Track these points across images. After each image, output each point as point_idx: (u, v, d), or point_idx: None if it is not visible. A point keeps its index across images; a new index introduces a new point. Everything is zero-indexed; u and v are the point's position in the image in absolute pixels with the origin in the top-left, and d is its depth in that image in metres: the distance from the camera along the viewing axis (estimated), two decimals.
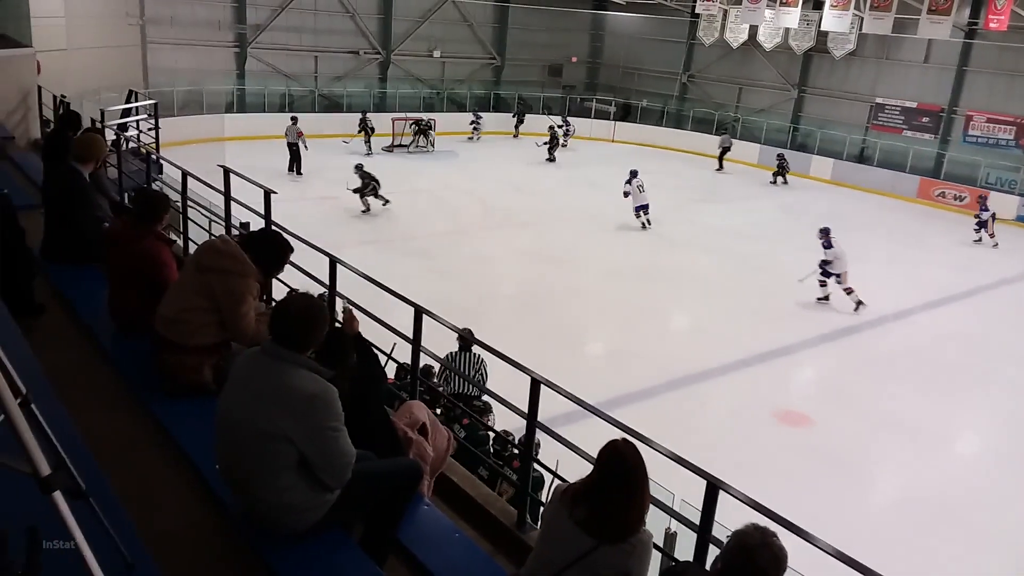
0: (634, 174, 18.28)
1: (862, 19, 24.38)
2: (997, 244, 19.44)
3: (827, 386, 11.64)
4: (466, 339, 7.36)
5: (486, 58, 31.47)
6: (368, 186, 17.48)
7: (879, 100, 26.55)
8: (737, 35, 28.45)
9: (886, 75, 26.46)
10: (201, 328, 3.71)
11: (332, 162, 21.79)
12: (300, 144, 20.32)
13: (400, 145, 25.19)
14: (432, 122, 25.99)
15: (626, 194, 18.28)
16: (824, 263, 13.96)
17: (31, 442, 1.76)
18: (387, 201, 17.68)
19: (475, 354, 7.54)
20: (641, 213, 18.19)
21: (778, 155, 25.56)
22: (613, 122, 30.81)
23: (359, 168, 17.68)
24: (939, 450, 9.93)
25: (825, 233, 14.08)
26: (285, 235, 4.31)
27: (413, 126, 25.53)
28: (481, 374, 7.54)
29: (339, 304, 5.23)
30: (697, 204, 21.59)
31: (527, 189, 21.25)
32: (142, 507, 3.00)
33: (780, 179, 25.35)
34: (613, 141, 30.08)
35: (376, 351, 3.92)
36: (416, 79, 29.60)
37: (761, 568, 2.32)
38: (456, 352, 7.57)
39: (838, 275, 13.92)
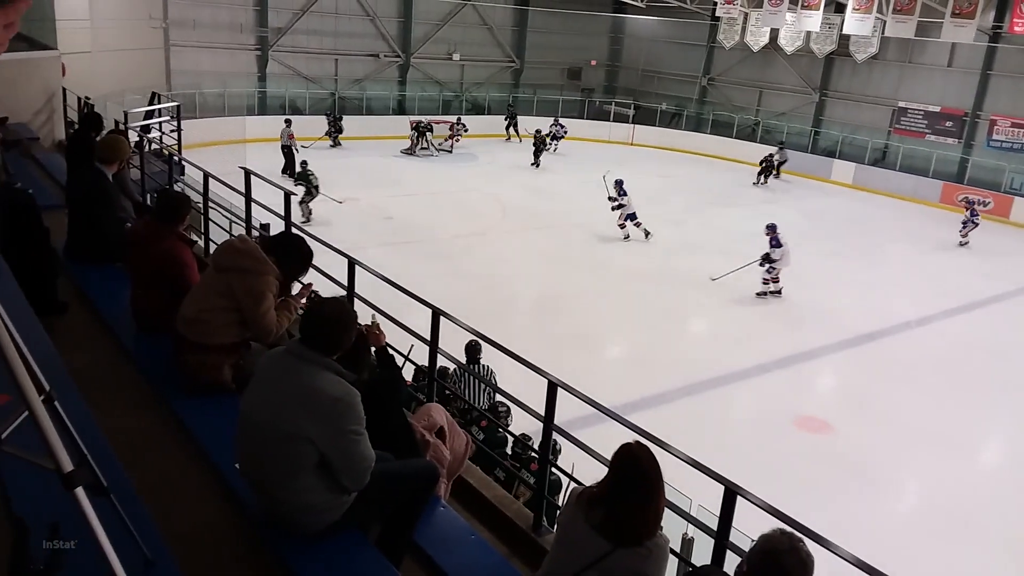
0: (620, 183, 17.49)
1: (885, 22, 24.16)
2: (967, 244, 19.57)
3: (848, 393, 11.52)
4: (473, 350, 7.29)
5: (505, 61, 31.51)
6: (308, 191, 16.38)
7: (902, 104, 26.28)
8: (758, 38, 28.28)
9: (909, 79, 26.19)
10: (221, 328, 3.74)
11: (352, 163, 21.94)
12: (292, 147, 20.19)
13: (420, 148, 25.26)
14: (431, 124, 25.59)
15: (620, 205, 17.44)
16: (768, 259, 14.16)
17: (54, 439, 1.78)
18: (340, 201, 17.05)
19: (483, 365, 7.38)
20: (631, 221, 17.48)
21: (768, 155, 25.19)
22: (631, 125, 30.72)
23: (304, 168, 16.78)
24: (962, 459, 9.79)
25: (772, 229, 14.37)
26: (304, 236, 4.34)
27: (413, 130, 25.19)
28: (490, 385, 7.33)
29: (368, 317, 5.26)
30: (716, 208, 21.46)
31: (546, 192, 21.24)
32: (162, 504, 3.02)
33: (764, 177, 24.92)
34: (632, 144, 29.99)
35: (393, 352, 3.93)
36: (435, 82, 29.70)
37: (788, 573, 2.31)
38: (464, 365, 7.42)
39: (774, 268, 14.34)
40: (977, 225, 19.71)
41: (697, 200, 21.50)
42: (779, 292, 14.38)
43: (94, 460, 2.19)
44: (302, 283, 4.22)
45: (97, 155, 5.81)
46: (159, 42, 22.35)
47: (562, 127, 27.33)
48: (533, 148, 24.89)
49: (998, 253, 19.40)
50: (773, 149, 25.89)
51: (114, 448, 3.07)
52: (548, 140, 25.92)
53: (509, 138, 28.08)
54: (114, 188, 5.84)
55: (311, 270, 5.67)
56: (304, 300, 4.11)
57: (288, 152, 20.19)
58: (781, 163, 25.25)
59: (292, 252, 3.93)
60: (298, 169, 17.17)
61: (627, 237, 17.53)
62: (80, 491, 1.80)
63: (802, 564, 2.31)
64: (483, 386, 7.33)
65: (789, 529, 2.48)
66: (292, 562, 2.87)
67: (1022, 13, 21.71)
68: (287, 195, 6.33)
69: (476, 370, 7.31)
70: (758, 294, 14.30)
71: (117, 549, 1.88)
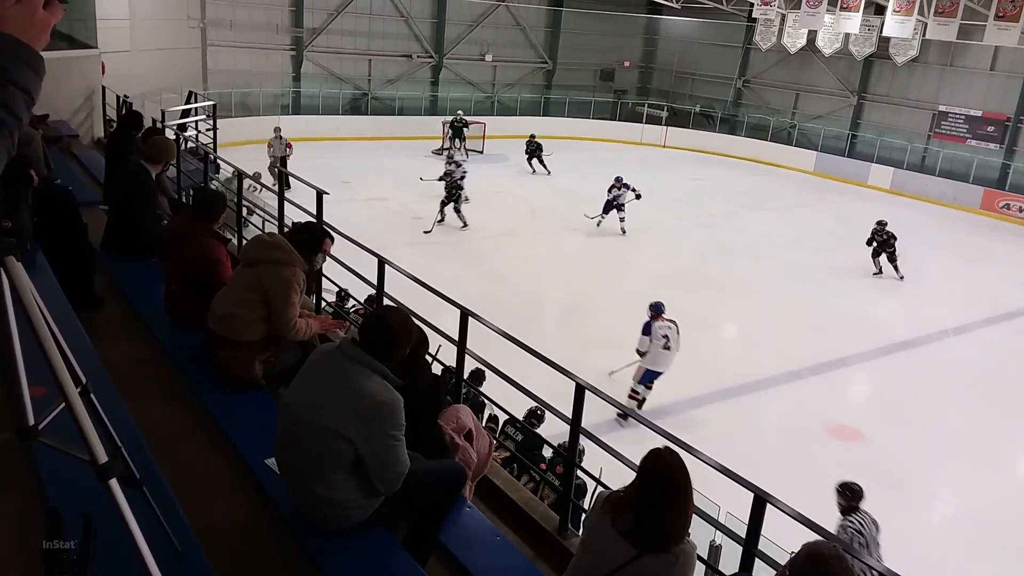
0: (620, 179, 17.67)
1: (926, 25, 23.67)
2: None
3: (882, 401, 11.32)
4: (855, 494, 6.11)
5: (538, 62, 31.50)
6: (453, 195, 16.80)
7: (942, 108, 25.76)
8: (795, 40, 27.89)
9: (950, 82, 25.67)
10: (251, 324, 3.79)
11: (382, 165, 22.07)
12: (285, 156, 18.73)
13: (450, 148, 25.33)
14: (467, 122, 24.98)
15: (620, 207, 17.49)
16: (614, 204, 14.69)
17: (90, 430, 1.81)
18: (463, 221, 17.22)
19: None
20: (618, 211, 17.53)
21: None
22: (664, 127, 30.52)
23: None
24: (997, 471, 9.57)
25: (619, 180, 16.59)
26: (328, 229, 4.46)
27: (449, 127, 24.75)
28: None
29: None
30: (749, 211, 21.24)
31: (575, 194, 21.17)
32: (192, 498, 3.06)
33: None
34: (664, 147, 29.80)
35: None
36: (467, 83, 29.79)
37: None
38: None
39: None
40: None
41: (730, 203, 21.28)
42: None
43: (127, 452, 2.22)
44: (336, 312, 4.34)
45: (144, 153, 5.93)
46: (196, 42, 22.68)
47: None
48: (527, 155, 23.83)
49: None
50: None
51: (147, 441, 3.12)
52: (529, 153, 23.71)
53: (534, 171, 24.03)
54: (155, 186, 5.94)
55: (344, 270, 5.73)
56: (322, 329, 4.20)
57: (282, 162, 18.20)
58: None
59: (306, 234, 4.10)
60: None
61: (609, 224, 17.75)
62: (114, 482, 1.83)
63: (848, 571, 2.29)
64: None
65: (826, 541, 2.45)
66: (319, 558, 2.89)
67: None
68: (319, 193, 6.38)
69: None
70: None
71: (148, 541, 1.90)
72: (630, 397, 9.91)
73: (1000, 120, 24.51)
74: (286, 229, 6.87)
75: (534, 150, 23.72)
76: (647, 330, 10.05)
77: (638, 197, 17.41)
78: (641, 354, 9.98)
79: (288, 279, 3.79)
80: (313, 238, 4.11)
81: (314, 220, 5.61)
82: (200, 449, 3.60)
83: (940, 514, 8.78)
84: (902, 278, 15.87)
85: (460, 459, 3.60)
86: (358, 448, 2.79)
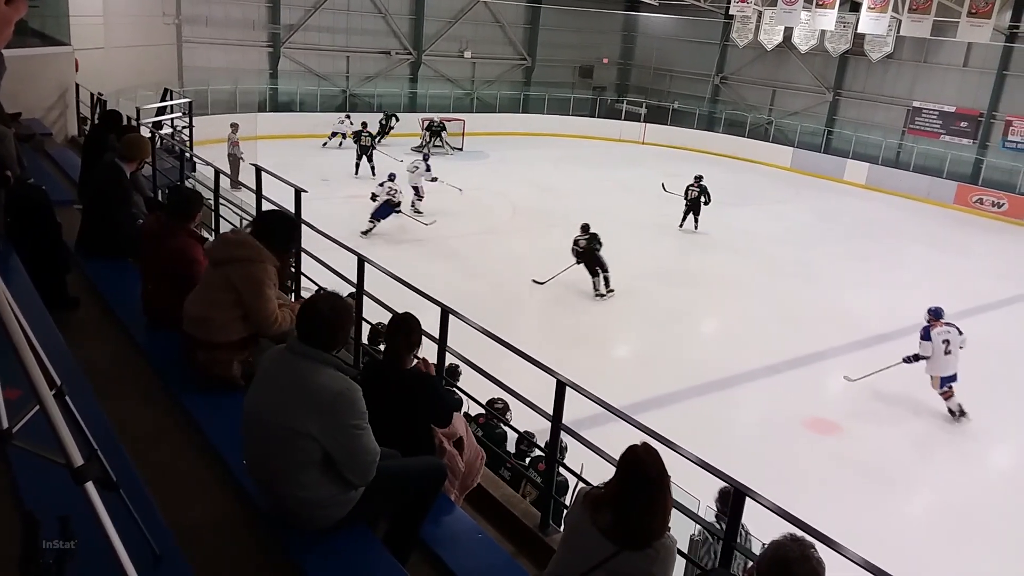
0: None
1: (900, 21, 23.98)
2: None
3: (858, 394, 11.45)
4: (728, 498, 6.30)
5: (517, 59, 31.49)
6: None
7: (916, 104, 26.09)
8: (772, 37, 28.12)
9: (924, 79, 26.00)
10: (227, 324, 3.75)
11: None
12: (237, 154, 18.35)
13: (436, 146, 25.27)
14: (444, 123, 25.61)
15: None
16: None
17: (65, 433, 1.79)
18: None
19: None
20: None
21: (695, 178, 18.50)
22: (643, 124, 30.64)
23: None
24: (975, 462, 9.72)
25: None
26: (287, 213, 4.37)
27: (425, 130, 25.13)
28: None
29: (379, 315, 5.25)
30: (728, 208, 21.32)
31: (556, 190, 21.21)
32: (171, 500, 3.04)
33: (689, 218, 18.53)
34: (643, 143, 29.92)
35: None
36: (447, 79, 29.71)
37: None
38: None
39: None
40: None
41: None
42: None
43: (104, 455, 2.20)
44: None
45: (118, 151, 5.85)
46: (172, 39, 22.41)
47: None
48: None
49: (1012, 255, 19.25)
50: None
51: (123, 443, 3.10)
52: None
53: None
54: (130, 184, 5.87)
55: (324, 269, 5.70)
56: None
57: (234, 161, 18.00)
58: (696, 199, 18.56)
59: (274, 227, 3.94)
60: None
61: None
62: (90, 485, 1.81)
63: (814, 573, 2.29)
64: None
65: (800, 534, 2.46)
66: (300, 558, 2.88)
67: None
68: (298, 191, 6.34)
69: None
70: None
71: (126, 543, 1.89)
72: (949, 411, 10.26)
73: (973, 116, 24.86)
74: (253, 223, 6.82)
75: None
76: (926, 335, 10.16)
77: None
78: (920, 358, 10.19)
79: (259, 276, 3.72)
80: (280, 229, 3.95)
81: (279, 208, 5.43)
82: (178, 450, 3.57)
83: (917, 505, 8.91)
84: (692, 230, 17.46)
85: (446, 464, 3.59)
86: (323, 444, 2.77)
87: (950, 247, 19.54)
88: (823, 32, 26.51)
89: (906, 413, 10.46)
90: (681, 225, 18.36)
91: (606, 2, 31.66)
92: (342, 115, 24.53)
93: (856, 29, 25.39)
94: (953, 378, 10.16)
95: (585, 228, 14.10)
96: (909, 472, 9.30)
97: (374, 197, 16.24)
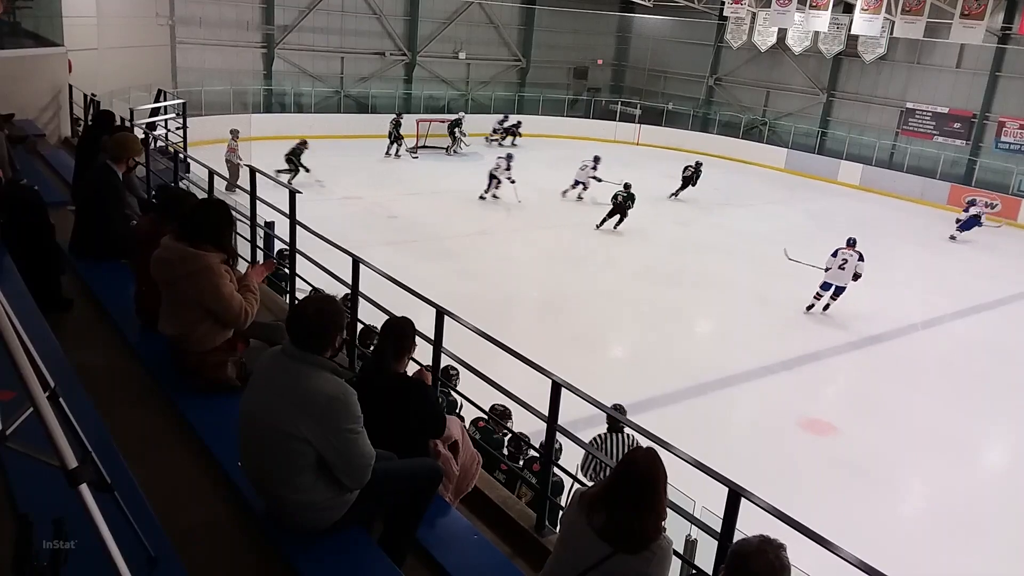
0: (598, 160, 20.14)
1: (893, 23, 24.08)
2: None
3: (854, 394, 11.49)
4: (616, 419, 6.43)
5: (511, 60, 31.50)
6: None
7: (909, 105, 26.19)
8: (766, 38, 28.21)
9: (917, 80, 26.10)
10: (207, 334, 3.74)
11: (356, 163, 21.95)
12: (234, 159, 17.82)
13: (424, 147, 25.26)
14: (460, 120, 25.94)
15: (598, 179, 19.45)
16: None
17: (59, 435, 1.78)
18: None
19: (627, 435, 6.53)
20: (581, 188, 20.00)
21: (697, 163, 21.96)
22: (637, 125, 30.68)
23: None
24: (967, 461, 9.76)
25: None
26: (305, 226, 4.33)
27: (449, 132, 25.47)
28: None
29: (372, 315, 5.24)
30: (723, 208, 21.43)
31: (550, 191, 21.23)
32: (166, 502, 3.03)
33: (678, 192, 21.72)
34: (638, 144, 29.95)
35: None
36: (441, 80, 29.70)
37: (754, 574, 2.30)
38: (605, 434, 6.63)
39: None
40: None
41: (704, 200, 21.43)
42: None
43: (98, 457, 2.20)
44: (270, 258, 4.20)
45: (109, 152, 5.83)
46: (165, 39, 22.38)
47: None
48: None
49: (1006, 255, 19.33)
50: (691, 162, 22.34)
51: (118, 445, 3.09)
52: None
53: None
54: (123, 185, 5.85)
55: (318, 270, 5.69)
56: (263, 277, 4.05)
57: (233, 167, 17.47)
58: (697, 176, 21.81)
59: (204, 224, 3.80)
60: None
61: (579, 197, 20.13)
62: (84, 488, 1.81)
63: (769, 566, 2.30)
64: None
65: (781, 534, 2.46)
66: (295, 560, 2.87)
67: None
68: (292, 192, 6.33)
69: (619, 441, 6.55)
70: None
71: (120, 546, 1.88)
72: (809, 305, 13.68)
73: (966, 117, 24.96)
74: (260, 230, 6.81)
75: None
76: (834, 253, 13.40)
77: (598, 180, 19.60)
78: (827, 269, 13.37)
79: (211, 282, 3.66)
80: (212, 219, 3.82)
81: (199, 196, 5.24)
82: (173, 452, 3.56)
83: (912, 505, 8.93)
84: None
85: (441, 466, 3.58)
86: (317, 447, 2.76)
87: (943, 248, 19.61)
88: (817, 33, 26.61)
89: (900, 414, 10.49)
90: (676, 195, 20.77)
91: (600, 3, 31.70)
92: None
93: (850, 30, 25.49)
94: (829, 287, 13.45)
95: (627, 186, 17.71)
96: (903, 472, 9.32)
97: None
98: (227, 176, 16.48)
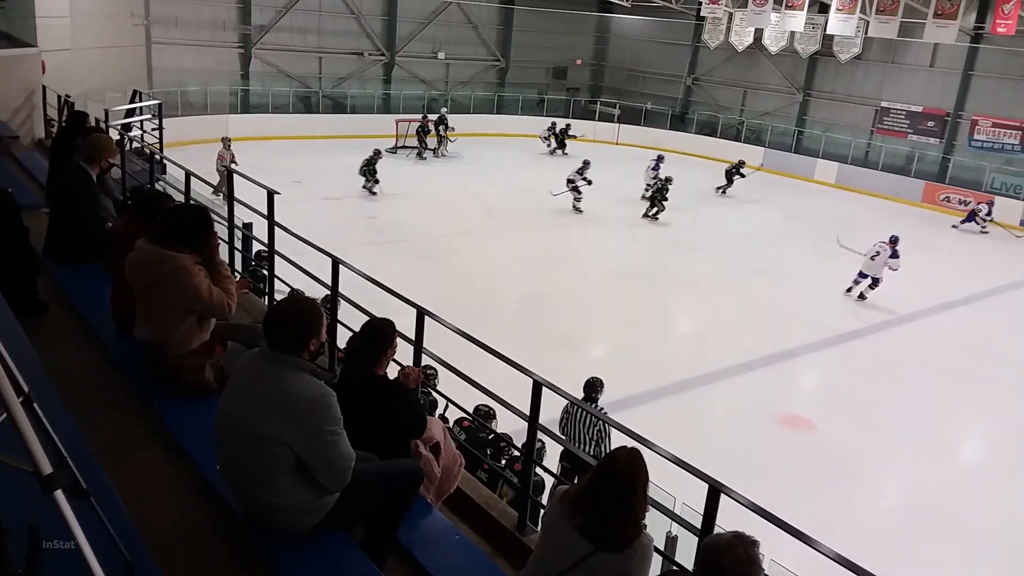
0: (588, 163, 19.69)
1: (868, 23, 24.35)
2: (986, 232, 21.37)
3: (830, 390, 11.62)
4: (591, 390, 7.00)
5: (490, 60, 31.49)
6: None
7: (884, 104, 26.51)
8: (742, 38, 28.42)
9: (892, 79, 26.42)
10: (186, 336, 3.71)
11: (335, 164, 21.84)
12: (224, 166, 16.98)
13: (404, 147, 25.15)
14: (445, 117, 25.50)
15: (589, 182, 19.20)
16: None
17: (33, 441, 1.76)
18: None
19: (599, 407, 6.90)
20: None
21: (739, 161, 23.85)
22: (616, 124, 30.78)
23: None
24: (943, 455, 9.90)
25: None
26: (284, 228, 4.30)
27: (438, 127, 24.98)
28: (600, 431, 6.91)
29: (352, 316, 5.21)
30: (701, 207, 21.56)
31: (530, 190, 21.26)
32: (143, 507, 3.00)
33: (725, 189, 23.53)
34: (617, 144, 30.05)
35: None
36: (420, 80, 29.61)
37: (723, 568, 2.33)
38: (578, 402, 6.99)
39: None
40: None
41: (682, 199, 21.54)
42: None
43: (74, 462, 2.17)
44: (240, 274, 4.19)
45: (82, 154, 5.76)
46: (140, 39, 22.15)
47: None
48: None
49: (978, 252, 19.62)
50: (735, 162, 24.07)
51: (94, 450, 3.05)
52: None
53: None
54: (97, 187, 5.78)
55: (298, 272, 5.66)
56: (225, 266, 4.04)
57: (221, 174, 16.61)
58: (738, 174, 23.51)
59: (186, 222, 3.83)
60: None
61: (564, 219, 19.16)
62: (60, 494, 1.79)
63: (738, 562, 2.33)
64: (590, 428, 6.86)
65: (757, 530, 2.49)
66: (275, 564, 2.85)
67: (1004, 14, 21.95)
68: (270, 193, 6.28)
69: (585, 415, 6.83)
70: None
71: (97, 553, 1.86)
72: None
73: (940, 115, 25.31)
74: (238, 232, 6.75)
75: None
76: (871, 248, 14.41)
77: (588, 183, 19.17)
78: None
79: (189, 283, 3.65)
80: (188, 222, 3.82)
81: (176, 197, 5.24)
82: (151, 457, 3.52)
83: (889, 499, 9.05)
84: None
85: (422, 467, 3.58)
86: (297, 450, 2.73)
87: (918, 245, 19.84)
88: (793, 33, 26.85)
89: (876, 409, 10.62)
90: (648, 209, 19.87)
91: (579, 4, 31.77)
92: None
93: (825, 30, 25.75)
94: (865, 276, 14.49)
95: (667, 180, 19.12)
96: (879, 466, 9.44)
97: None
98: (214, 183, 16.10)
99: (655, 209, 19.13)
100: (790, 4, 25.47)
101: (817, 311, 14.04)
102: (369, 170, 19.05)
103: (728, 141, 29.08)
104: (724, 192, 23.33)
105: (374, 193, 19.12)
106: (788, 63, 28.53)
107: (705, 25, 29.67)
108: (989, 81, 24.24)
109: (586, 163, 19.64)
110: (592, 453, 6.69)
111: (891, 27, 23.91)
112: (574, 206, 19.18)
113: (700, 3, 28.04)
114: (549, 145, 27.47)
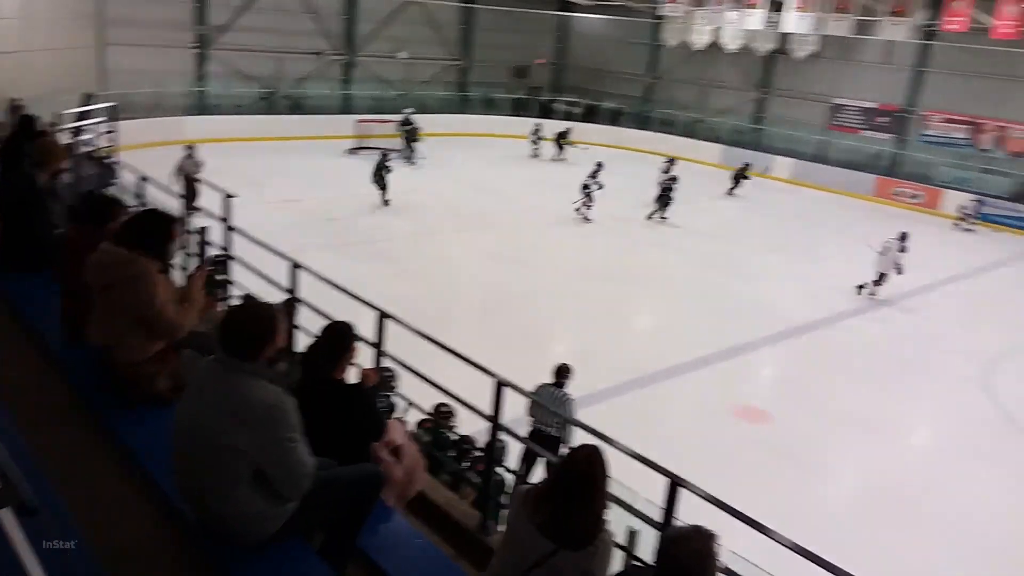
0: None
1: (824, 20, 24.82)
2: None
3: (786, 383, 11.84)
4: (561, 376, 7.31)
5: (452, 60, 31.39)
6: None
7: (840, 101, 27.04)
8: (701, 37, 28.73)
9: (847, 76, 26.97)
10: (139, 346, 3.63)
11: (293, 165, 21.62)
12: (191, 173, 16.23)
13: (366, 148, 24.92)
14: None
15: (600, 186, 18.84)
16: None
17: None
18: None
19: (565, 393, 7.27)
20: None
21: (744, 164, 24.46)
22: (578, 123, 30.88)
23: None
24: (895, 444, 10.14)
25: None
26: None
27: (402, 131, 24.42)
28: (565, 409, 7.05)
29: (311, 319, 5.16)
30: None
31: (490, 190, 21.26)
32: (96, 522, 2.93)
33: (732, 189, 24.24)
34: (579, 143, 30.15)
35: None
36: (381, 80, 29.39)
37: (679, 560, 2.37)
38: (547, 385, 7.31)
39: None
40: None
41: (641, 198, 21.72)
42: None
43: (22, 479, 2.12)
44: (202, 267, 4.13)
45: (32, 159, 5.62)
46: (93, 40, 21.64)
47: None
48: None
49: (927, 245, 20.07)
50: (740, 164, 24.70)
51: (44, 465, 2.97)
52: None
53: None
54: (46, 194, 5.64)
55: (254, 276, 5.60)
56: (202, 284, 3.94)
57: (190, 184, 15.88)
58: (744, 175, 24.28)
59: (152, 228, 3.76)
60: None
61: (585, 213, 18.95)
62: (6, 512, 1.75)
63: (695, 554, 2.37)
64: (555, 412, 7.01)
65: (717, 523, 2.54)
66: (233, 573, 2.81)
67: (954, 11, 22.59)
68: (227, 196, 6.20)
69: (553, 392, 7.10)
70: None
71: (48, 572, 1.82)
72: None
73: (892, 111, 25.89)
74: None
75: None
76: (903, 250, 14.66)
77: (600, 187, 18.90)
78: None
79: (148, 292, 3.57)
80: (155, 228, 3.75)
81: (153, 208, 5.18)
82: (103, 470, 3.43)
83: (844, 488, 9.24)
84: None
85: (383, 471, 3.55)
86: (255, 458, 2.69)
87: (870, 238, 20.27)
88: (750, 31, 27.22)
89: (829, 400, 10.84)
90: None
91: (539, 3, 31.83)
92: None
93: (781, 28, 26.16)
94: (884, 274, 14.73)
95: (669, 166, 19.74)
96: (834, 456, 9.64)
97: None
98: (184, 194, 15.44)
99: (657, 210, 19.45)
100: (748, 3, 25.84)
101: (772, 304, 14.29)
102: (380, 177, 18.32)
103: (688, 139, 29.38)
104: (731, 193, 23.78)
105: (387, 203, 18.40)
106: (746, 61, 28.93)
107: (664, 24, 29.93)
108: (941, 77, 24.86)
109: (599, 165, 19.17)
110: (557, 435, 6.82)
111: (846, 25, 24.43)
112: (584, 215, 18.78)
113: (659, 2, 28.27)
114: (536, 147, 27.12)
